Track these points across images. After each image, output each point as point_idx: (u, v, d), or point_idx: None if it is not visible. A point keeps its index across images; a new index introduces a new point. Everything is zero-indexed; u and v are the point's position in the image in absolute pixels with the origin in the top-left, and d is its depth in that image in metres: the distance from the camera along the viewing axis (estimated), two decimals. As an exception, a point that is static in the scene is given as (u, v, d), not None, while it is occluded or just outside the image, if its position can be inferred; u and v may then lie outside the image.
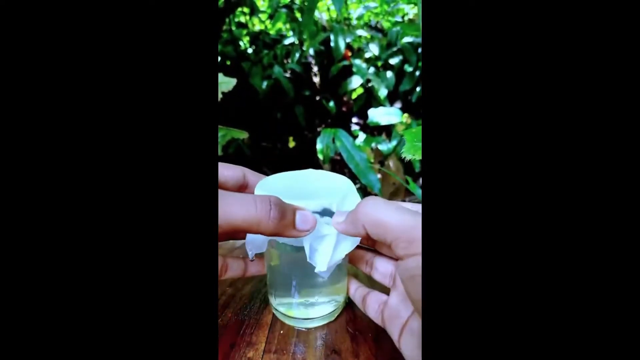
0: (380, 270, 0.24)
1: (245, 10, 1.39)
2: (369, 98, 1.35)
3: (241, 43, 1.43)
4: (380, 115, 1.17)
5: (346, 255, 0.22)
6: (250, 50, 1.43)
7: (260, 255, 0.25)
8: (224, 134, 0.45)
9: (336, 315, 0.27)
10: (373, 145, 1.19)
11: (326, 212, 0.21)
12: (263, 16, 1.52)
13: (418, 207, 0.22)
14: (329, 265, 0.21)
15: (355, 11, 1.52)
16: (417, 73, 1.32)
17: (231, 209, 0.18)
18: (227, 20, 1.30)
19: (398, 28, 1.38)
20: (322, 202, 0.21)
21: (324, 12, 1.54)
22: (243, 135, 0.45)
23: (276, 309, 0.26)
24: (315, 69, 1.46)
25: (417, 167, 1.18)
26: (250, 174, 0.26)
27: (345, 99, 1.45)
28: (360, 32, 1.45)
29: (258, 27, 1.55)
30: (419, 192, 0.77)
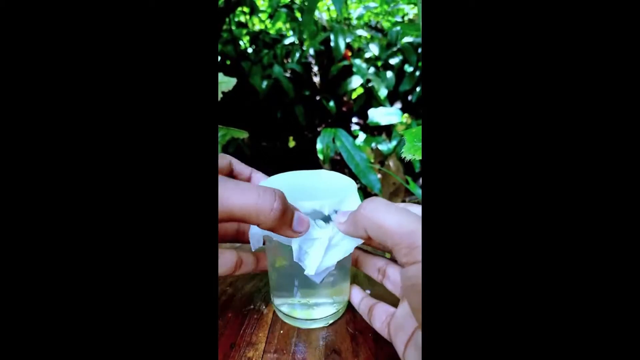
0: (392, 279, 0.23)
1: (245, 9, 1.39)
2: (369, 98, 1.35)
3: (241, 43, 1.43)
4: (380, 115, 1.17)
5: (349, 256, 0.22)
6: (250, 50, 1.43)
7: (262, 250, 0.25)
8: (224, 134, 0.45)
9: (339, 316, 0.27)
10: (373, 145, 1.19)
11: (318, 215, 0.21)
12: (263, 16, 1.52)
13: (420, 210, 0.21)
14: (318, 270, 0.21)
15: (355, 11, 1.52)
16: (417, 73, 1.32)
17: (230, 195, 0.17)
18: (227, 19, 1.30)
19: (398, 28, 1.38)
20: (314, 205, 0.21)
21: (324, 12, 1.55)
22: (243, 135, 0.45)
23: (279, 309, 0.26)
24: (315, 68, 1.46)
25: (417, 167, 1.18)
26: (236, 163, 0.26)
27: (345, 99, 1.45)
28: (360, 32, 1.46)
29: (258, 26, 1.55)
30: (419, 192, 0.77)
